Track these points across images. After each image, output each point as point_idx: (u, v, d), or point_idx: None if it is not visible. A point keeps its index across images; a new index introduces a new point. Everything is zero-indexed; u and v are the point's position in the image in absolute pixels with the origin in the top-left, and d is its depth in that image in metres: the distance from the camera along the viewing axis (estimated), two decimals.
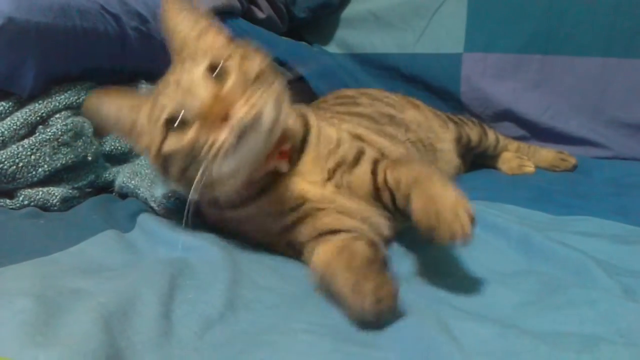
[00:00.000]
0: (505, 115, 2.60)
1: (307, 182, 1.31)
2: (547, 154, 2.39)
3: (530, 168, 2.28)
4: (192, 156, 1.13)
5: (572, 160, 2.32)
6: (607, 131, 2.47)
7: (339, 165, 1.34)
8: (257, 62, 1.22)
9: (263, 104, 1.13)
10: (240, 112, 1.09)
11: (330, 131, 1.41)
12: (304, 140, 1.35)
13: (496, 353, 0.87)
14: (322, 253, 1.14)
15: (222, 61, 1.17)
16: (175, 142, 1.15)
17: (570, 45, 2.49)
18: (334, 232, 1.25)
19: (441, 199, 1.08)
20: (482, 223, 1.42)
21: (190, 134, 1.12)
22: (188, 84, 1.14)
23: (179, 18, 1.29)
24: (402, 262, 1.28)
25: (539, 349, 0.87)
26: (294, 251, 1.29)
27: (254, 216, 1.31)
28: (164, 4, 1.30)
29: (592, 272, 1.14)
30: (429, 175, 1.17)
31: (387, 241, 1.34)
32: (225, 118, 1.08)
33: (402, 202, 1.22)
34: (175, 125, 1.13)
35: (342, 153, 1.36)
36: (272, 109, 1.15)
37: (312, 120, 1.41)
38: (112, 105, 1.29)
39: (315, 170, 1.33)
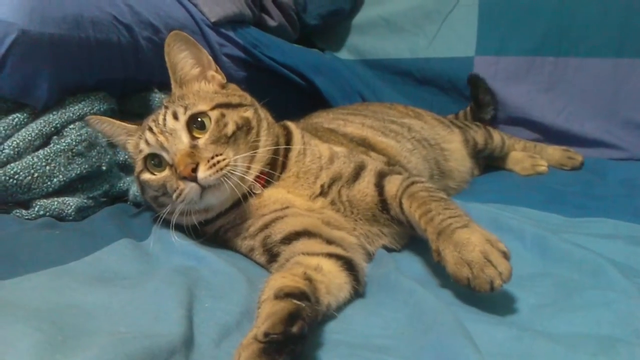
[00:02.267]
0: (519, 119, 2.59)
1: (293, 194, 1.37)
2: (553, 152, 2.39)
3: (543, 167, 2.27)
4: (162, 191, 1.32)
5: (579, 158, 2.32)
6: (621, 132, 2.45)
7: (334, 180, 1.38)
8: (236, 116, 1.34)
9: (228, 167, 1.24)
10: (204, 173, 1.22)
11: (321, 148, 1.46)
12: (286, 158, 1.41)
13: (512, 355, 0.87)
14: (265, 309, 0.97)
15: (201, 115, 1.30)
16: (151, 176, 1.34)
17: (583, 47, 2.48)
18: (310, 235, 1.25)
19: (468, 246, 1.06)
20: (497, 226, 1.43)
21: (162, 174, 1.31)
22: (170, 131, 1.29)
23: (180, 56, 1.41)
24: (415, 265, 1.29)
25: (555, 351, 0.87)
26: (268, 254, 1.30)
27: (233, 220, 1.37)
28: (167, 42, 1.38)
29: (608, 274, 1.13)
30: (449, 220, 1.15)
31: (371, 255, 1.35)
32: (191, 174, 1.22)
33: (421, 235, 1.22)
34: (153, 162, 1.32)
35: (336, 169, 1.40)
36: (239, 169, 1.27)
37: (297, 137, 1.47)
38: (107, 129, 1.47)
39: (301, 184, 1.39)
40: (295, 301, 0.91)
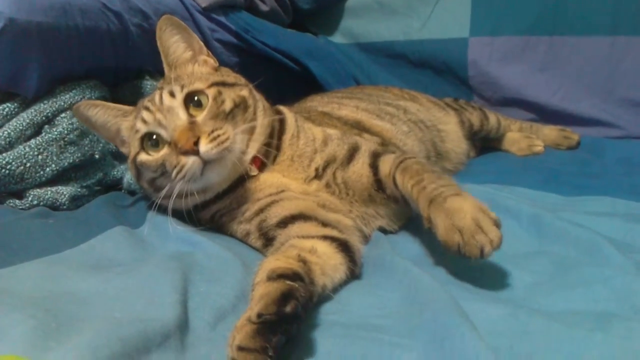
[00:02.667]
0: (514, 99, 2.57)
1: (288, 178, 1.37)
2: (549, 132, 2.37)
3: (539, 147, 2.26)
4: (161, 171, 1.29)
5: (575, 137, 2.31)
6: (618, 111, 2.43)
7: (328, 162, 1.38)
8: (233, 94, 1.33)
9: (229, 141, 1.24)
10: (206, 146, 1.21)
11: (315, 131, 1.45)
12: (280, 140, 1.40)
13: (508, 333, 0.87)
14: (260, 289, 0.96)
15: (198, 93, 1.30)
16: (148, 156, 1.31)
17: (578, 25, 2.46)
18: (306, 218, 1.25)
19: (459, 213, 1.06)
20: (494, 206, 1.40)
21: (161, 153, 1.29)
22: (167, 108, 1.28)
23: (172, 40, 1.41)
24: (410, 246, 1.29)
25: (552, 328, 0.86)
26: (263, 238, 1.30)
27: (229, 205, 1.36)
28: (159, 25, 1.38)
29: (604, 251, 1.12)
30: (441, 188, 1.14)
31: (368, 237, 1.34)
32: (193, 148, 1.20)
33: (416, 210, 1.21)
34: (150, 142, 1.30)
35: (330, 151, 1.39)
36: (239, 145, 1.27)
37: (290, 121, 1.46)
38: (99, 113, 1.43)
39: (295, 168, 1.38)
40: (288, 282, 0.90)
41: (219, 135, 1.22)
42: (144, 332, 0.84)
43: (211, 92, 1.30)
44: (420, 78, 2.69)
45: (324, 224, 1.24)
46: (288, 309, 0.84)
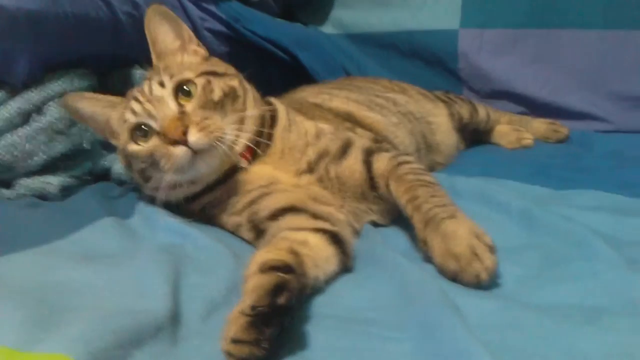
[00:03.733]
0: (504, 92, 2.58)
1: (279, 170, 1.36)
2: (539, 125, 2.38)
3: (529, 140, 2.27)
4: (150, 162, 1.28)
5: (564, 131, 2.32)
6: (607, 104, 2.44)
7: (321, 156, 1.37)
8: (223, 84, 1.33)
9: (219, 130, 1.23)
10: (195, 135, 1.20)
11: (306, 124, 1.44)
12: (271, 133, 1.39)
13: (498, 326, 0.87)
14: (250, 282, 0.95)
15: (188, 83, 1.29)
16: (137, 147, 1.30)
17: (569, 19, 2.46)
18: (297, 211, 1.25)
19: (455, 239, 1.06)
20: (483, 199, 1.43)
21: (150, 143, 1.27)
22: (157, 98, 1.27)
23: (160, 30, 1.40)
24: (401, 239, 1.29)
25: (542, 322, 0.87)
26: (254, 230, 1.29)
27: (220, 196, 1.36)
28: (147, 14, 1.38)
29: (594, 245, 1.13)
30: (436, 209, 1.14)
31: (358, 232, 1.34)
32: (182, 137, 1.19)
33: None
34: (140, 133, 1.29)
35: (323, 145, 1.39)
36: (228, 135, 1.26)
37: (282, 113, 1.45)
38: (88, 105, 1.42)
39: (286, 161, 1.37)
40: (280, 274, 0.90)
41: (208, 125, 1.22)
42: (136, 324, 0.84)
43: (200, 81, 1.29)
44: (410, 69, 2.68)
45: (316, 217, 1.23)
46: (281, 300, 0.84)
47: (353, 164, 1.36)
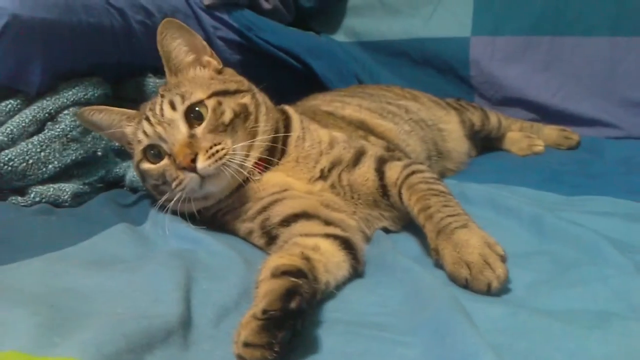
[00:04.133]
0: (515, 99, 2.58)
1: (292, 177, 1.37)
2: (550, 132, 2.38)
3: (540, 147, 2.27)
4: (162, 180, 1.31)
5: (576, 137, 2.32)
6: (618, 111, 2.44)
7: (334, 165, 1.38)
8: (234, 103, 1.33)
9: (227, 156, 1.24)
10: (203, 163, 1.22)
11: (320, 132, 1.45)
12: (285, 141, 1.41)
13: (508, 331, 0.87)
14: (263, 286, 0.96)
15: (199, 105, 1.29)
16: (150, 165, 1.33)
17: (579, 26, 2.46)
18: (309, 217, 1.26)
19: (467, 248, 1.07)
20: (494, 205, 1.44)
21: (162, 163, 1.30)
22: (168, 121, 1.29)
23: (173, 44, 1.40)
24: (412, 245, 1.30)
25: (551, 326, 0.87)
26: (266, 236, 1.30)
27: (232, 203, 1.36)
28: (159, 30, 1.37)
29: (603, 250, 1.13)
30: (448, 219, 1.15)
31: (369, 239, 1.34)
32: (191, 165, 1.22)
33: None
34: (152, 152, 1.31)
35: (336, 154, 1.40)
36: (238, 158, 1.27)
37: (296, 122, 1.47)
38: (103, 119, 1.43)
39: (300, 169, 1.38)
40: (292, 279, 0.91)
41: (217, 151, 1.23)
42: (147, 328, 0.85)
43: (211, 103, 1.30)
44: (422, 77, 2.69)
45: (327, 223, 1.24)
46: (293, 304, 0.84)
47: (366, 172, 1.36)
